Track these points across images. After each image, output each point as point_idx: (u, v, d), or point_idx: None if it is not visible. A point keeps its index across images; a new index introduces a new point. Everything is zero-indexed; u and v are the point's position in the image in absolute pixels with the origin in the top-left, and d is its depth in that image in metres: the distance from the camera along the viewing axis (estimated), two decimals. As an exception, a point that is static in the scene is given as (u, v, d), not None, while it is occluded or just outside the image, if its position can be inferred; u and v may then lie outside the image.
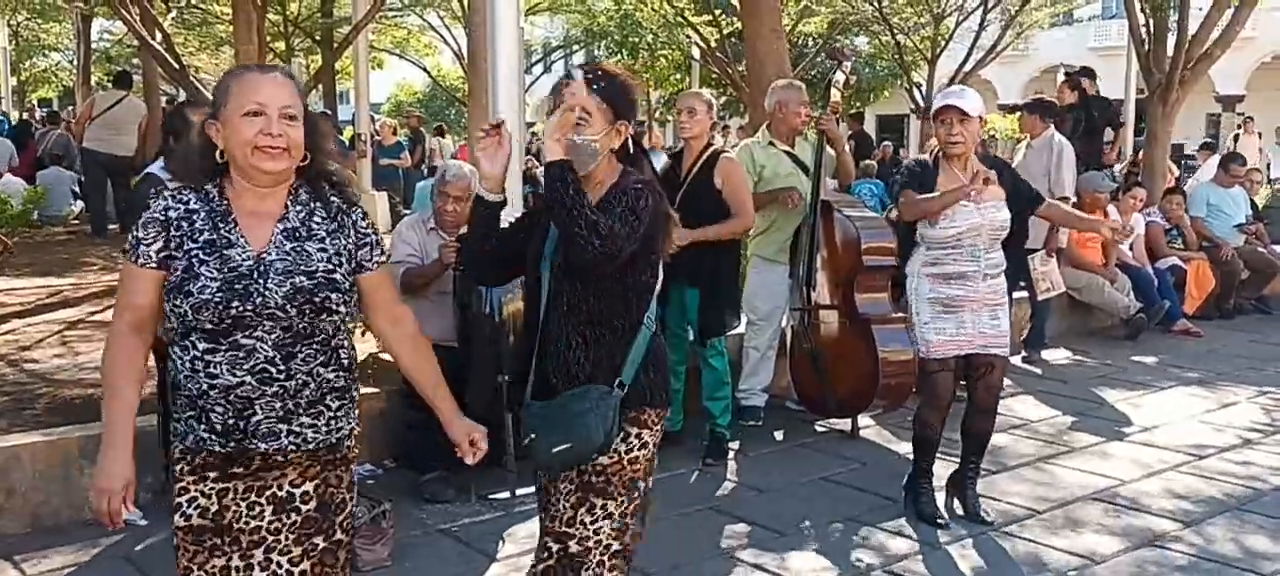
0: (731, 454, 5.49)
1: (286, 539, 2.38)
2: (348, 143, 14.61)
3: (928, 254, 4.47)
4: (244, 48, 10.10)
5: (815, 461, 5.44)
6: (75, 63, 23.28)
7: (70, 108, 25.80)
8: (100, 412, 4.70)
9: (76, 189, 13.97)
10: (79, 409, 4.95)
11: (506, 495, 4.75)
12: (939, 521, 4.53)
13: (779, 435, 5.89)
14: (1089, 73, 10.85)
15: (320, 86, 19.66)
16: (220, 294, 2.27)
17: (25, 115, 23.09)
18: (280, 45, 21.72)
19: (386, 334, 2.57)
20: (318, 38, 21.33)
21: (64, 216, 13.10)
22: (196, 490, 2.34)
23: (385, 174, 14.32)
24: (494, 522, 4.56)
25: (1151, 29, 11.49)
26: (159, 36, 10.27)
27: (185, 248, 2.30)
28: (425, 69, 30.15)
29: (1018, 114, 8.45)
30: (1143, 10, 11.41)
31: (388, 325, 2.56)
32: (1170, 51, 11.21)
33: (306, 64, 23.36)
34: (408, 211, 12.61)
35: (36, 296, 7.88)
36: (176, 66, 9.61)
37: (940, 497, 4.69)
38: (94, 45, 22.94)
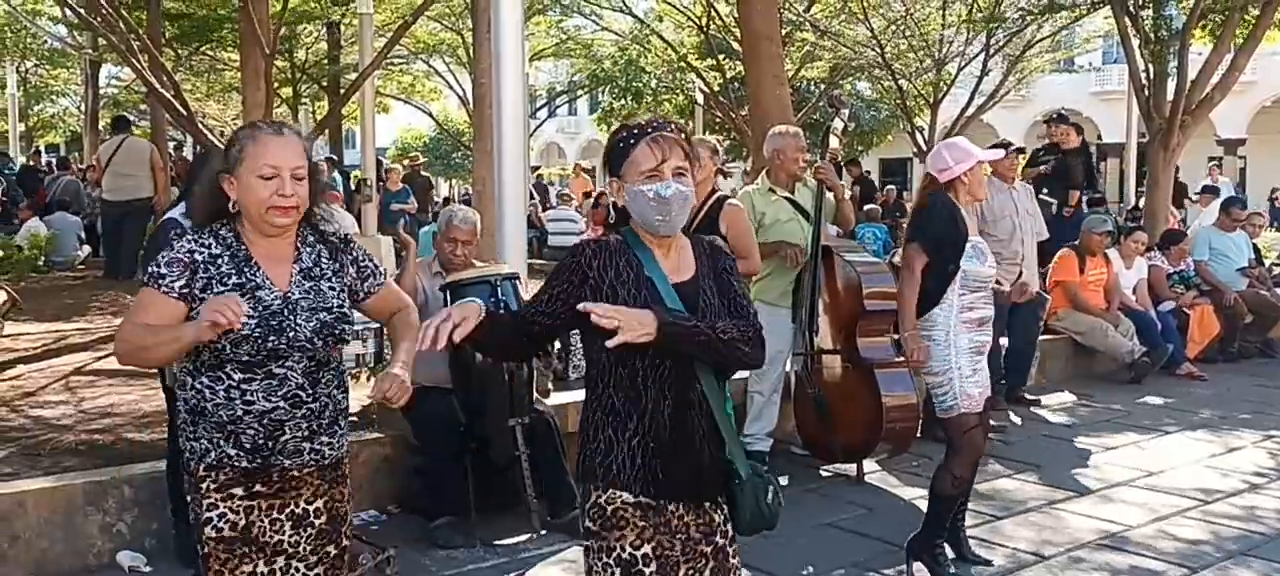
0: (736, 499, 5.46)
1: (304, 548, 2.70)
2: (355, 187, 14.64)
3: (963, 298, 4.26)
4: (252, 94, 10.16)
5: (820, 507, 5.42)
6: (83, 109, 23.40)
7: (76, 153, 25.96)
8: (104, 458, 4.73)
9: (81, 235, 14.04)
10: (83, 455, 4.94)
11: (519, 540, 4.74)
12: None
13: (784, 480, 5.86)
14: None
15: (326, 132, 19.77)
16: (258, 330, 2.55)
17: (30, 161, 23.21)
18: (288, 92, 21.90)
19: (391, 321, 2.89)
20: (324, 84, 21.49)
21: (71, 262, 13.15)
22: (225, 506, 2.62)
23: (393, 219, 14.37)
24: (500, 568, 4.54)
25: (1151, 74, 11.55)
26: (167, 83, 10.32)
27: (215, 289, 2.56)
28: (431, 114, 30.37)
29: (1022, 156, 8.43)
30: (1142, 55, 11.48)
31: (393, 317, 2.89)
32: (1170, 96, 11.27)
33: (313, 110, 23.50)
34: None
35: (43, 342, 7.89)
36: (184, 113, 9.62)
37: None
38: (102, 91, 23.07)
